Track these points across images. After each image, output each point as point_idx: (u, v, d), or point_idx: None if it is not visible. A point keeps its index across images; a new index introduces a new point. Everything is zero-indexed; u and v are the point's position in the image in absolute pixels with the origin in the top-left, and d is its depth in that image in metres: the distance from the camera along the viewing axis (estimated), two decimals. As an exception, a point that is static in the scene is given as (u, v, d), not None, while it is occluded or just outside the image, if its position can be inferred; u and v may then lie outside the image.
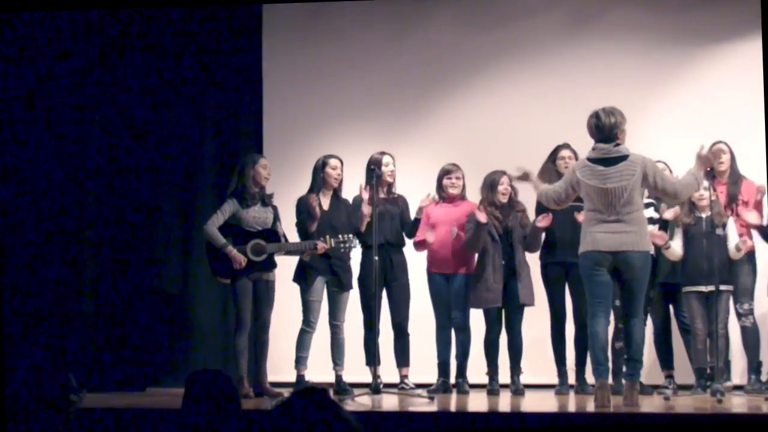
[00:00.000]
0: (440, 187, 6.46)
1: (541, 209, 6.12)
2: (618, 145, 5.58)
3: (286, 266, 6.27)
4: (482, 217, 5.99)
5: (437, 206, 6.41)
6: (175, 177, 6.91)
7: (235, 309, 6.17)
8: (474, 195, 6.48)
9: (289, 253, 6.21)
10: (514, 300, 6.22)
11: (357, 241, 6.09)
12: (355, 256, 6.34)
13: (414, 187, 6.43)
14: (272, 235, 6.25)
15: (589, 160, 5.60)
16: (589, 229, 5.57)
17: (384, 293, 6.25)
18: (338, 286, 6.28)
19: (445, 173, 6.46)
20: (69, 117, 6.59)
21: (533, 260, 6.34)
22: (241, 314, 6.14)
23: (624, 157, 5.52)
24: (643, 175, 5.51)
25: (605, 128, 5.58)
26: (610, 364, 5.77)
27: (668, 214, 6.06)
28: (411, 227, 6.28)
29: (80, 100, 6.58)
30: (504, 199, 6.24)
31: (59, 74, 6.48)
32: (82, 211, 6.69)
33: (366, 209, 5.94)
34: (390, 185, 6.33)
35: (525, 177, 5.83)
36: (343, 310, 6.32)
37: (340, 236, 6.06)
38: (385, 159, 6.28)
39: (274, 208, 6.28)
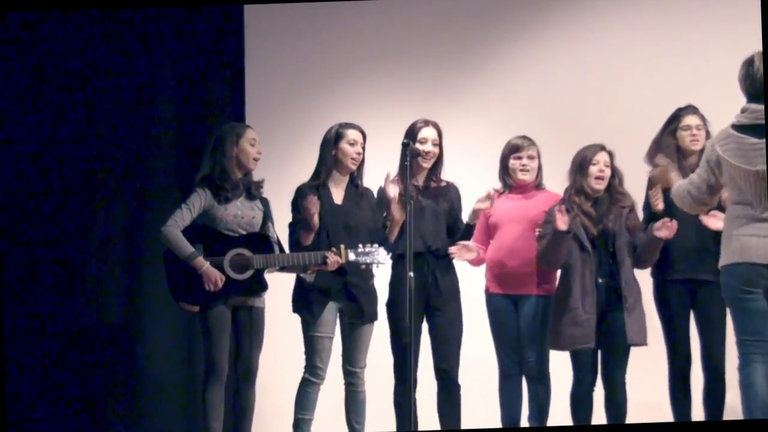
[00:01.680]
0: (505, 170, 5.20)
1: (657, 214, 4.91)
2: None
3: (280, 287, 5.12)
4: (561, 222, 4.75)
5: (501, 198, 5.14)
6: (120, 164, 6.06)
7: (205, 349, 4.92)
8: (555, 183, 5.19)
9: (286, 269, 4.95)
10: (616, 337, 4.95)
11: (385, 252, 4.86)
12: (382, 272, 5.10)
13: (461, 173, 5.26)
14: (262, 241, 4.94)
15: (735, 128, 4.35)
16: (735, 232, 4.40)
17: (424, 325, 5.05)
18: (357, 316, 4.99)
19: (512, 151, 5.17)
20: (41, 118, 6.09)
21: (643, 278, 5.04)
22: (214, 356, 4.88)
23: None
24: None
25: (760, 82, 4.30)
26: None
27: None
28: (463, 234, 5.03)
29: (53, 97, 6.05)
30: (600, 187, 4.94)
31: (35, 76, 6.06)
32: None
33: (397, 212, 4.83)
34: (435, 168, 5.06)
35: (661, 174, 4.89)
36: (365, 351, 5.09)
37: (360, 246, 4.82)
38: (427, 131, 5.03)
39: (265, 203, 5.02)
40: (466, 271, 5.23)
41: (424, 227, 5.02)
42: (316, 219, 4.83)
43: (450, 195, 5.13)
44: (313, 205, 4.81)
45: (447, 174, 5.20)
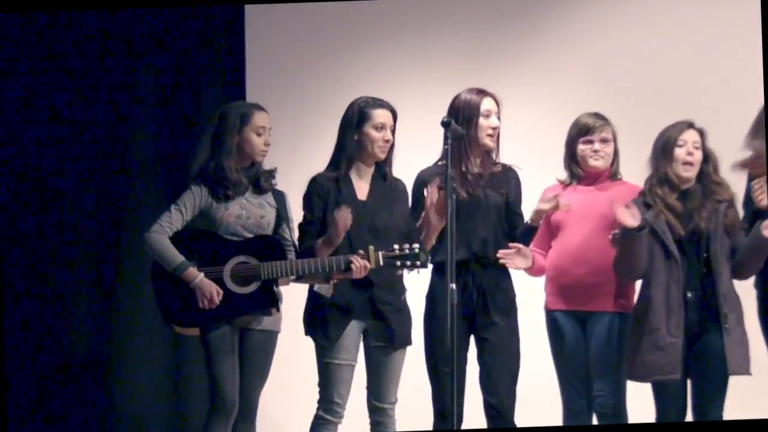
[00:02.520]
0: (572, 157, 4.80)
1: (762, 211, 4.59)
2: None
3: (289, 302, 4.74)
4: (626, 217, 4.41)
5: (567, 191, 4.80)
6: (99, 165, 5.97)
7: (209, 379, 4.65)
8: (633, 173, 4.79)
9: (302, 278, 4.63)
10: (711, 365, 4.63)
11: (424, 254, 4.49)
12: (417, 283, 4.72)
13: (513, 162, 4.83)
14: (271, 245, 4.61)
15: None
16: None
17: (472, 349, 4.73)
18: (387, 339, 4.65)
19: (580, 132, 4.78)
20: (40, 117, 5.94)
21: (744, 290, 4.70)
22: (220, 387, 4.58)
23: None
24: None
25: None
26: None
27: None
28: (524, 235, 4.64)
29: (54, 98, 5.89)
30: (689, 174, 4.60)
31: (33, 74, 5.92)
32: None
33: (434, 218, 4.46)
34: (489, 152, 4.68)
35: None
36: (395, 383, 4.71)
37: (395, 247, 4.49)
38: (486, 102, 4.65)
39: (279, 197, 4.71)
40: (521, 282, 4.85)
41: (473, 227, 4.63)
42: (342, 236, 4.47)
43: (508, 183, 4.71)
44: (345, 220, 4.42)
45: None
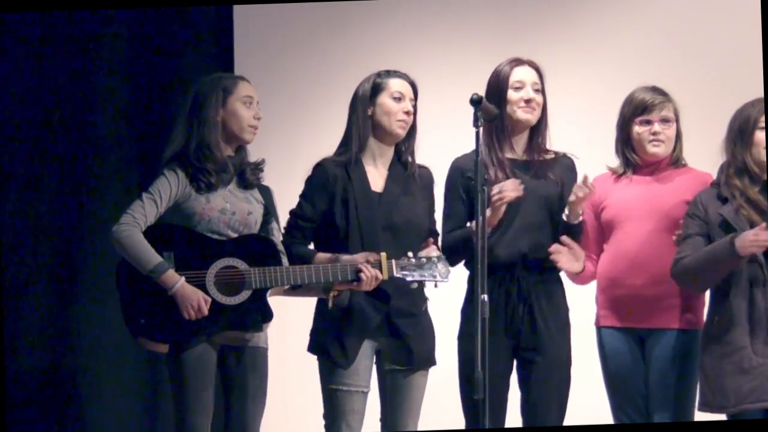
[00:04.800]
0: (626, 141, 4.27)
1: None
2: None
3: (286, 316, 4.25)
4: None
5: (621, 183, 4.29)
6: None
7: (176, 407, 4.14)
8: (701, 160, 4.32)
9: (299, 289, 4.16)
10: None
11: (447, 265, 4.08)
12: (440, 291, 4.18)
13: (555, 146, 4.36)
14: (263, 248, 4.12)
15: None
16: None
17: (513, 373, 4.26)
18: (403, 359, 4.13)
19: (636, 111, 4.26)
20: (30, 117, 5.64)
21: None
22: (189, 419, 4.08)
23: None
24: None
25: None
26: None
27: None
28: (573, 232, 4.12)
29: (44, 99, 5.60)
30: None
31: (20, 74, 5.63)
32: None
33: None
34: (537, 130, 4.17)
35: None
36: (416, 413, 4.21)
37: (410, 255, 4.05)
38: (522, 71, 4.18)
39: (266, 193, 4.26)
40: (576, 292, 4.36)
41: (518, 225, 4.15)
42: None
43: (561, 173, 4.23)
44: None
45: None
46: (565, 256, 4.10)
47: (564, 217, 4.14)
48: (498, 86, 4.10)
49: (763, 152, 4.11)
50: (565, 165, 4.23)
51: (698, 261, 4.00)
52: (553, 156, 4.23)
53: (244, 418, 4.16)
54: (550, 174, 4.20)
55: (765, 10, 4.43)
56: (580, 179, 4.20)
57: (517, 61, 4.21)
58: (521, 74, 4.17)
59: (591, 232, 4.25)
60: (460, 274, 4.32)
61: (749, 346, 4.04)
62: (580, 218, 4.15)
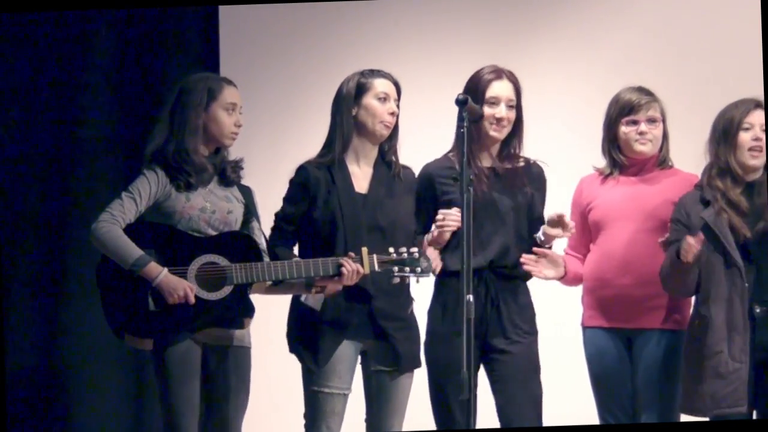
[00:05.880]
0: (612, 141, 4.29)
1: None
2: None
3: (266, 316, 4.22)
4: (687, 251, 3.94)
5: (607, 184, 4.29)
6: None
7: (162, 405, 4.12)
8: (686, 160, 4.33)
9: (280, 285, 4.14)
10: None
11: (426, 260, 4.05)
12: (422, 293, 4.24)
13: (538, 148, 4.36)
14: (244, 245, 4.10)
15: None
16: None
17: (482, 373, 4.20)
18: (389, 362, 4.12)
19: (623, 111, 4.26)
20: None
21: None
22: (176, 416, 4.05)
23: None
24: None
25: None
26: None
27: None
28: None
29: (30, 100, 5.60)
30: (756, 163, 4.15)
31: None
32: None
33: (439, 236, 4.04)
34: (510, 141, 4.15)
35: None
36: (401, 415, 4.17)
37: (391, 250, 4.01)
38: (499, 86, 4.11)
39: (246, 192, 4.26)
40: (552, 293, 4.36)
41: (487, 231, 4.13)
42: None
43: (531, 181, 4.26)
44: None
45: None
46: (542, 264, 4.09)
47: (537, 240, 4.10)
48: (473, 97, 4.01)
49: (746, 153, 4.08)
50: (535, 173, 4.21)
51: (664, 269, 4.01)
52: (523, 163, 4.21)
53: (225, 417, 4.14)
54: (519, 181, 4.17)
55: (765, 10, 4.43)
56: (554, 215, 4.08)
57: (496, 74, 4.15)
58: (497, 90, 4.13)
59: (578, 232, 4.22)
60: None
61: (726, 350, 4.03)
62: (548, 246, 4.13)
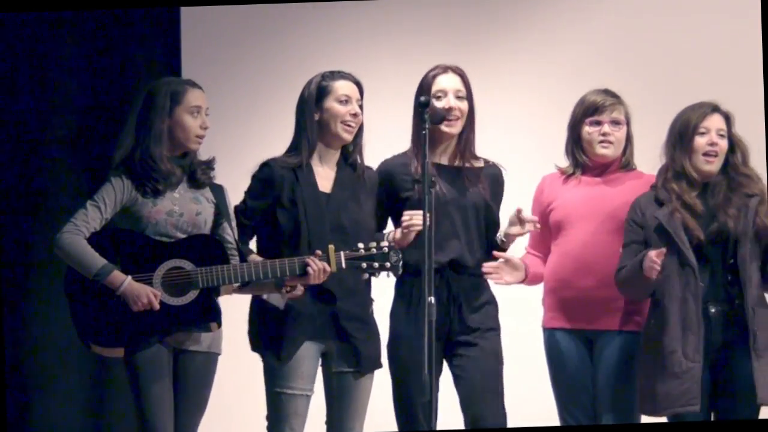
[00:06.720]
0: (576, 141, 4.26)
1: None
2: None
3: (228, 318, 4.15)
4: (649, 269, 3.91)
5: (569, 184, 4.24)
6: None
7: (137, 411, 4.09)
8: (648, 162, 4.32)
9: (248, 286, 4.08)
10: (739, 396, 4.09)
11: (395, 255, 3.96)
12: (383, 293, 4.19)
13: (501, 148, 4.36)
14: (210, 247, 4.05)
15: None
16: None
17: (443, 377, 4.17)
18: (352, 362, 4.09)
19: (587, 112, 4.23)
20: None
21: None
22: (151, 420, 4.04)
23: None
24: None
25: None
26: None
27: None
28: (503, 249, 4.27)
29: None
30: (711, 168, 4.09)
31: None
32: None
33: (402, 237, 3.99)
34: (464, 139, 4.10)
35: None
36: (361, 416, 4.14)
37: (359, 246, 3.96)
38: (445, 79, 4.10)
39: (218, 192, 4.15)
40: (513, 292, 4.30)
41: (446, 231, 4.11)
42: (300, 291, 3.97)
43: (489, 183, 4.22)
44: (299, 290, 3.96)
45: (482, 149, 4.29)
46: (504, 270, 4.08)
47: (498, 241, 4.08)
48: (421, 94, 4.01)
49: (701, 158, 4.05)
50: (492, 174, 4.17)
51: (626, 275, 3.99)
52: (481, 164, 4.17)
53: (181, 420, 4.07)
54: (477, 182, 4.13)
55: (765, 9, 4.38)
56: (514, 213, 4.08)
57: (441, 69, 4.13)
58: (443, 83, 4.11)
59: (540, 233, 4.15)
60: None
61: (680, 350, 3.98)
62: (507, 246, 4.10)
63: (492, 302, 4.17)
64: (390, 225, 4.28)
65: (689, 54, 5.20)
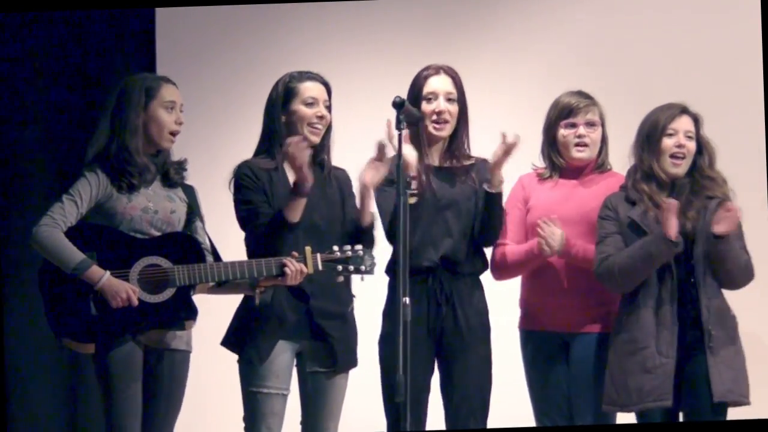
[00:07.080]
0: (551, 144, 4.25)
1: None
2: None
3: (205, 319, 4.13)
4: (670, 226, 3.93)
5: (546, 186, 4.26)
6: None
7: (105, 409, 4.04)
8: (621, 163, 4.33)
9: (224, 286, 4.08)
10: (697, 393, 4.04)
11: (370, 258, 3.96)
12: (365, 291, 4.15)
13: (482, 149, 4.28)
14: (187, 246, 4.05)
15: None
16: None
17: (435, 376, 4.18)
18: (327, 362, 4.06)
19: (562, 114, 4.21)
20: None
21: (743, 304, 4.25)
22: (120, 422, 4.00)
23: None
24: None
25: None
26: None
27: None
28: (494, 202, 4.12)
29: None
30: (677, 170, 4.07)
31: None
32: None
33: (366, 212, 3.98)
34: (456, 139, 4.10)
35: None
36: (336, 416, 4.13)
37: (335, 248, 3.96)
38: (437, 81, 4.09)
39: (190, 192, 4.18)
40: (499, 290, 4.25)
41: (438, 229, 4.10)
42: (306, 170, 3.82)
43: (481, 180, 4.16)
44: (299, 152, 3.80)
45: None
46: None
47: (485, 186, 4.02)
48: (413, 97, 4.01)
49: (668, 160, 4.04)
50: (483, 171, 4.14)
51: (632, 258, 3.92)
52: (472, 162, 4.16)
53: (157, 420, 4.06)
54: (467, 179, 4.13)
55: (764, 10, 4.39)
56: (500, 140, 4.02)
57: (434, 70, 4.11)
58: (434, 84, 4.09)
59: (518, 226, 4.14)
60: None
61: (653, 345, 3.96)
62: (501, 187, 4.04)
63: (484, 304, 4.13)
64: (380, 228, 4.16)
65: (662, 53, 5.14)
